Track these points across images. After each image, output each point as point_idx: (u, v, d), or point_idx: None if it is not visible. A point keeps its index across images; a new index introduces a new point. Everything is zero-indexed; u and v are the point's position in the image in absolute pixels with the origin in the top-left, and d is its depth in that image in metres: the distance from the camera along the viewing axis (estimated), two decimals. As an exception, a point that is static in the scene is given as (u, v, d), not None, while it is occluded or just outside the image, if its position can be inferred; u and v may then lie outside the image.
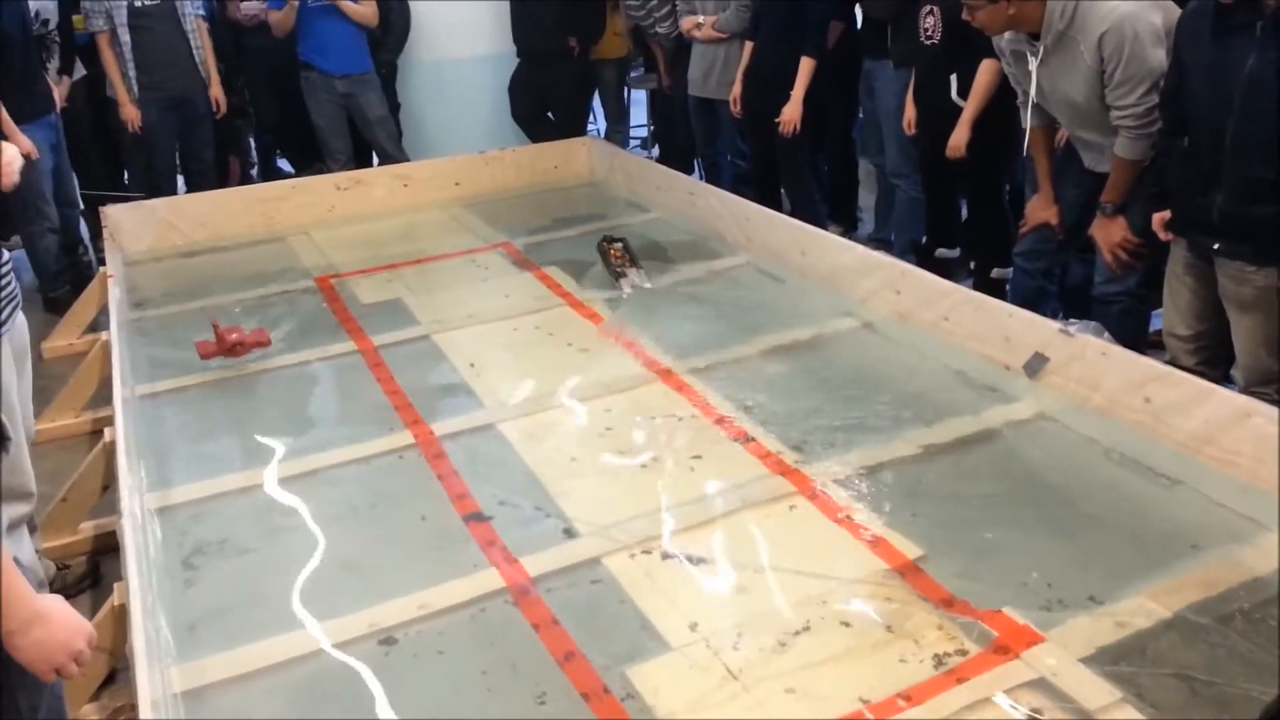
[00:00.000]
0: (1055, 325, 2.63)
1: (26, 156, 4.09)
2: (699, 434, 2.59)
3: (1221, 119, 2.45)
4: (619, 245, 3.71)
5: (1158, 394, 2.36)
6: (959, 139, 3.68)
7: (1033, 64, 3.04)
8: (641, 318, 3.28)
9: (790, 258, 3.55)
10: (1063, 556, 2.05)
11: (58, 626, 1.38)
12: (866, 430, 2.55)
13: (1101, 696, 1.66)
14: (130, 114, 4.65)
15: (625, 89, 5.92)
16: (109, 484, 2.56)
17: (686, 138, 5.22)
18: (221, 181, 5.16)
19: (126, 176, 5.28)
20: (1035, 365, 2.64)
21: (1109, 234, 3.01)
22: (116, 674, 2.09)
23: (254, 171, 5.81)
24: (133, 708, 1.65)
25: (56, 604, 1.40)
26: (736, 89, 4.57)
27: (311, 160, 5.54)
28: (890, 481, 2.34)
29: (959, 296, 2.93)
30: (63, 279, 4.45)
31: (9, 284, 2.18)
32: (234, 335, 3.04)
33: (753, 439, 2.54)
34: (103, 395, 3.12)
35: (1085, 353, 2.53)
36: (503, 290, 3.64)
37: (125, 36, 4.57)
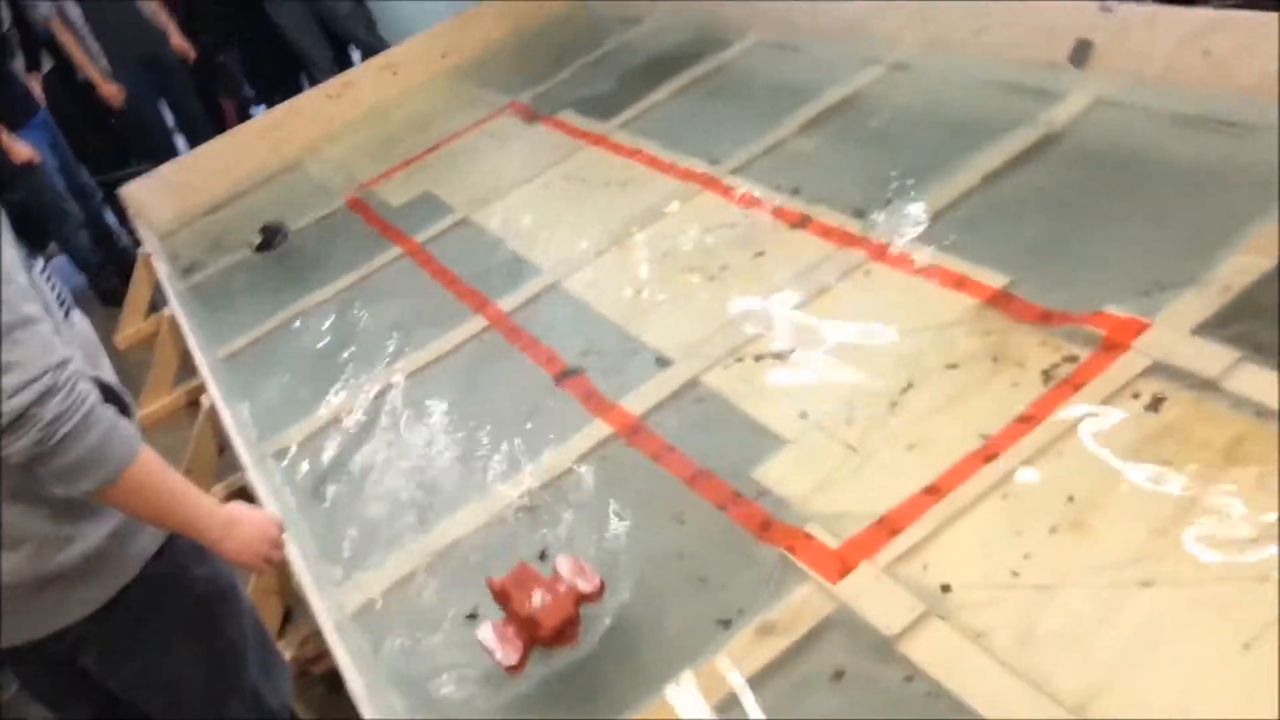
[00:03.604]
0: (1093, 5, 2.46)
1: (29, 163, 4.12)
2: (757, 231, 2.55)
3: None
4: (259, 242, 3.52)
5: (1217, 43, 2.21)
6: None
7: None
8: (666, 132, 3.19)
9: (799, 22, 3.38)
10: (1151, 238, 1.98)
11: (250, 522, 1.55)
12: (923, 174, 2.46)
13: (1221, 361, 1.63)
14: (109, 91, 4.60)
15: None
16: (223, 446, 2.66)
17: None
18: (220, 127, 5.12)
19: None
20: (1081, 53, 2.49)
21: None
22: (291, 611, 2.23)
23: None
24: (317, 634, 1.77)
25: (239, 505, 1.55)
26: None
27: (278, 85, 5.38)
28: (960, 217, 2.28)
29: (988, 3, 2.75)
30: (107, 271, 4.54)
31: (54, 289, 2.22)
32: (552, 614, 1.60)
33: (811, 219, 2.49)
34: (187, 368, 3.21)
35: (1131, 23, 2.37)
36: (522, 151, 3.57)
37: (73, 13, 4.47)
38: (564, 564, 1.70)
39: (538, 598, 1.62)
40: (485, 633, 1.65)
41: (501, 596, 1.65)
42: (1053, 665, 1.36)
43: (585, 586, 1.66)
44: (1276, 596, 1.32)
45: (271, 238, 3.25)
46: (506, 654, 1.60)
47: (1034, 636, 1.40)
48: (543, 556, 1.84)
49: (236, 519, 1.52)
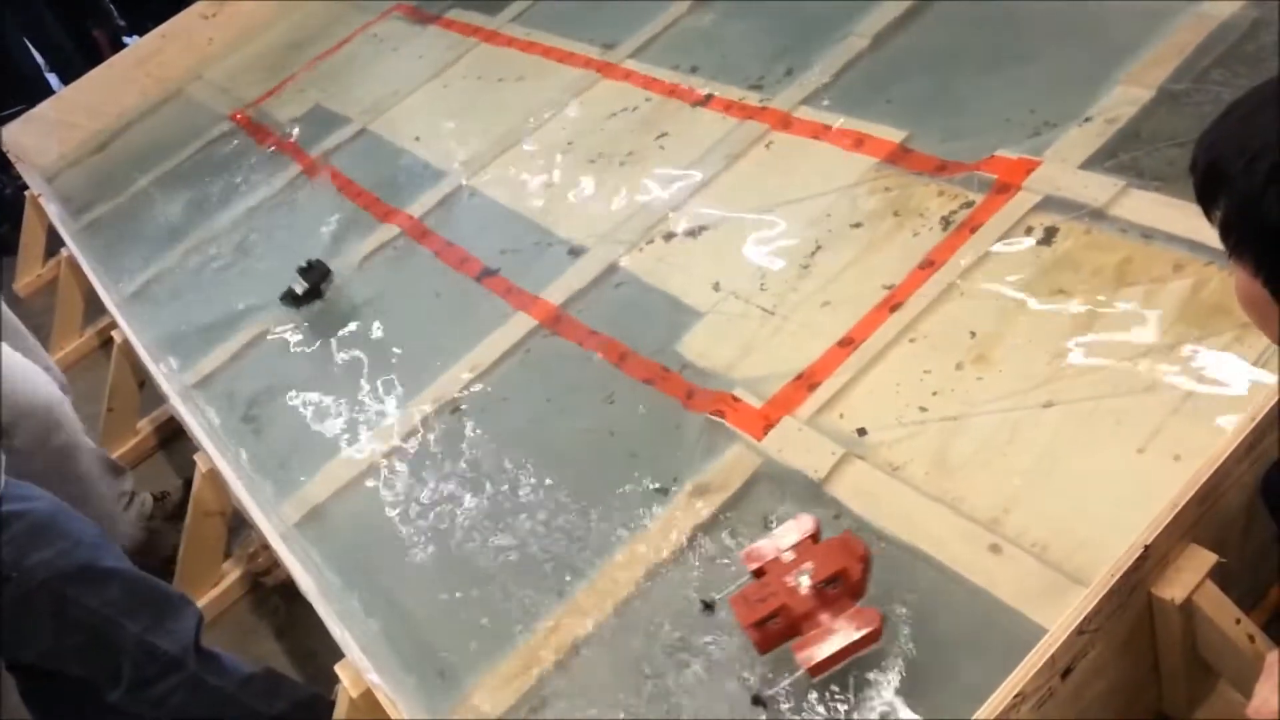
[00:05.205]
0: None
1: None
2: (659, 113, 2.55)
3: None
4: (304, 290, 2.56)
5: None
6: None
7: None
8: (558, 21, 3.14)
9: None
10: (1038, 82, 2.04)
11: None
12: (814, 41, 2.48)
13: (1108, 190, 1.71)
14: (-33, 30, 4.32)
15: None
16: (143, 381, 2.62)
17: None
18: (96, 61, 4.84)
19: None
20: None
21: None
22: (236, 530, 2.25)
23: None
24: (264, 548, 1.79)
25: None
26: None
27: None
28: (856, 79, 2.31)
29: None
30: (-4, 221, 4.33)
31: None
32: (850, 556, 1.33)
33: (711, 96, 2.49)
34: (95, 307, 3.12)
35: None
36: (414, 54, 3.47)
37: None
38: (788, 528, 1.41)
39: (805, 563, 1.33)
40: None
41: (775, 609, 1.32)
42: (965, 488, 1.45)
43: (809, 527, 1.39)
44: (1164, 403, 1.43)
45: (318, 282, 2.51)
46: (857, 626, 1.27)
47: (946, 464, 1.49)
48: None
49: None
